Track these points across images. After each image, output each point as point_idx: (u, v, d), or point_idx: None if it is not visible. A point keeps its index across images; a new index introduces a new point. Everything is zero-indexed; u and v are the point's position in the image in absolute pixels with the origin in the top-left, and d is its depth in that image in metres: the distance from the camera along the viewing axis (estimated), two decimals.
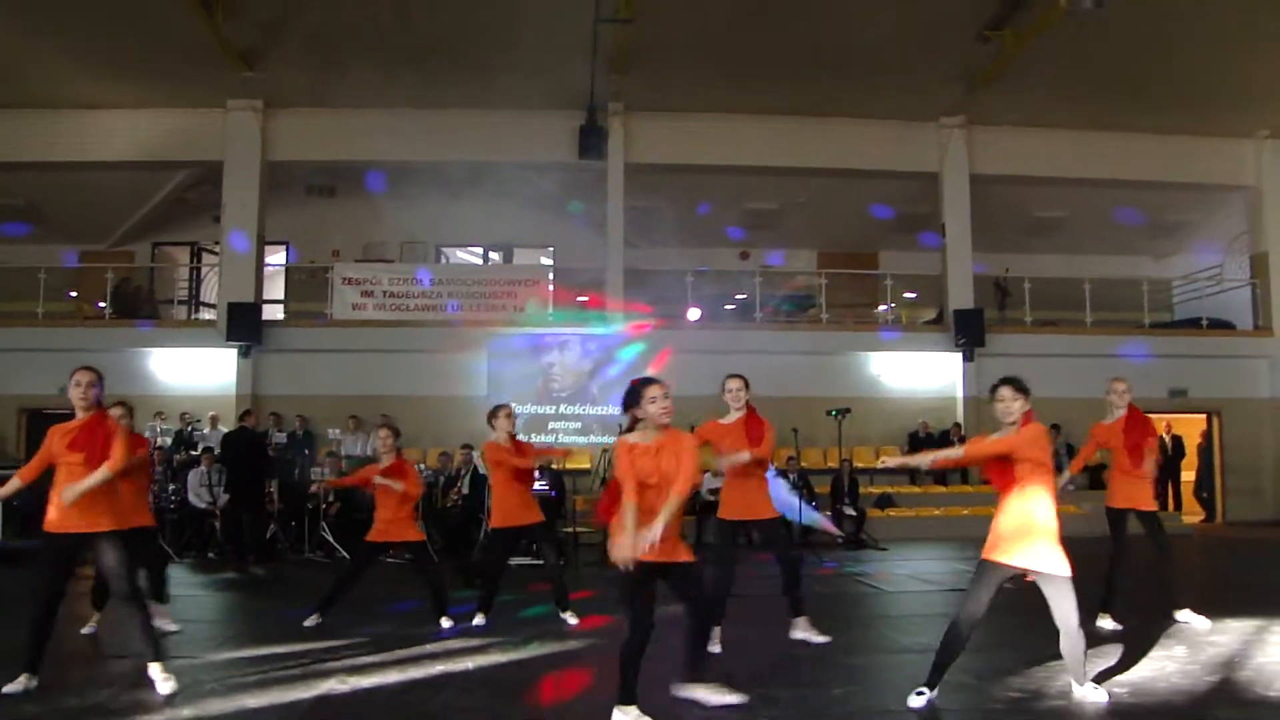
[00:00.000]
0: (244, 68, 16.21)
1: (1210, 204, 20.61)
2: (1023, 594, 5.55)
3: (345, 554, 12.85)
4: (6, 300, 18.38)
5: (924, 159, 18.94)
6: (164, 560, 7.96)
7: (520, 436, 8.58)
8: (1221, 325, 19.67)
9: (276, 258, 20.31)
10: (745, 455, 6.74)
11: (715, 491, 7.20)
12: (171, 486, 13.96)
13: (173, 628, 7.63)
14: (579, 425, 17.63)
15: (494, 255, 21.59)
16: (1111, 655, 6.58)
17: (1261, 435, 19.03)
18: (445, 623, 7.89)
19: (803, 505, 13.20)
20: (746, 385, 7.01)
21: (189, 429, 16.17)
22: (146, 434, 11.79)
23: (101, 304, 18.53)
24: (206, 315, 19.63)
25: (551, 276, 19.45)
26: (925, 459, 5.89)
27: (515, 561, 10.92)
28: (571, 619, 8.12)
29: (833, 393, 17.01)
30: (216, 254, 19.14)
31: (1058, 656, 5.58)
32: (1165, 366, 18.07)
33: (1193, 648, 6.85)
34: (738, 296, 20.35)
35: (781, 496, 7.30)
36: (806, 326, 19.23)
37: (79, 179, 18.62)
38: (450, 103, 17.34)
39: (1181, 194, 20.17)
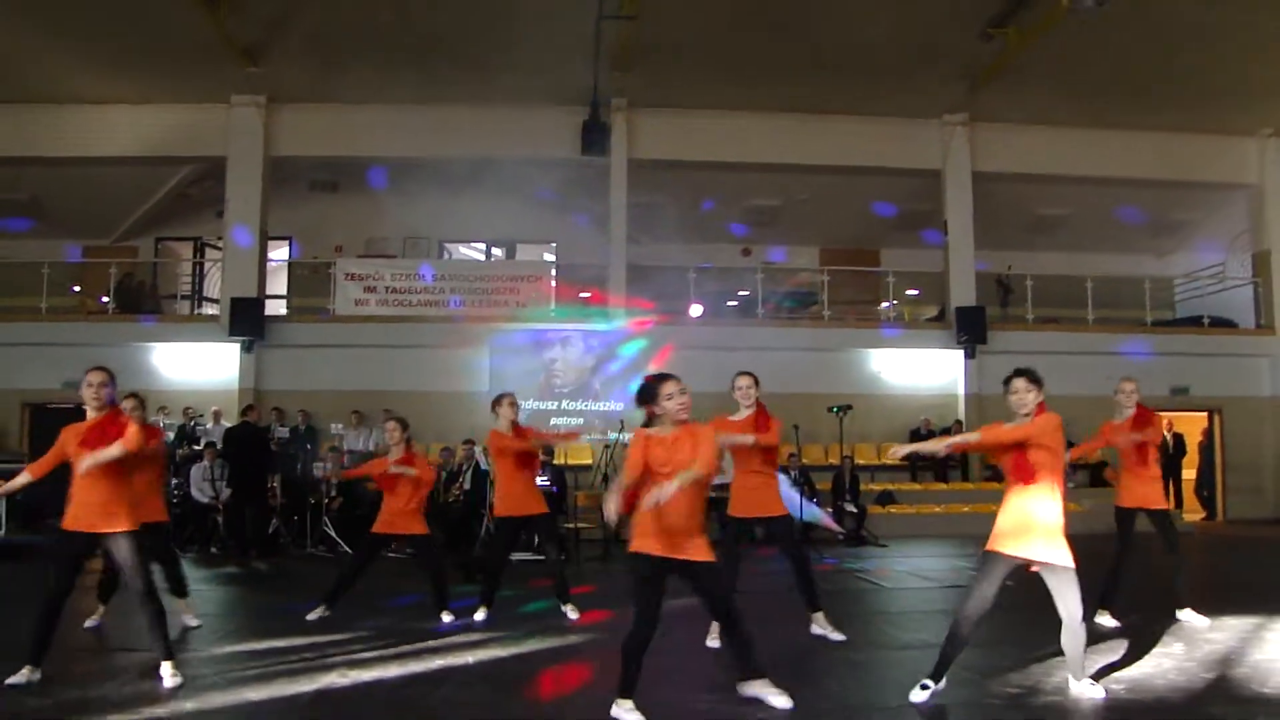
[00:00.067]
0: (247, 63, 16.25)
1: (1212, 202, 20.60)
2: (1025, 589, 5.56)
3: (347, 549, 12.90)
4: (10, 295, 18.39)
5: (927, 156, 18.97)
6: (175, 557, 7.97)
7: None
8: (1223, 323, 19.70)
9: (279, 253, 20.32)
10: (749, 438, 6.73)
11: (722, 488, 7.18)
12: (174, 481, 13.98)
13: (194, 622, 7.66)
14: (581, 421, 17.63)
15: (496, 251, 21.61)
16: (1110, 651, 6.60)
17: (1262, 433, 19.06)
18: (446, 617, 7.93)
19: (804, 502, 13.21)
20: (756, 383, 7.00)
21: (192, 424, 16.19)
22: None
23: (105, 299, 18.57)
24: (209, 310, 19.65)
25: (554, 272, 19.48)
26: (941, 444, 5.78)
27: (516, 557, 10.97)
28: (572, 613, 8.14)
29: (834, 389, 17.03)
30: (220, 249, 19.18)
31: (1057, 653, 5.61)
32: (1167, 364, 18.09)
33: (1190, 645, 6.87)
34: (740, 293, 20.39)
35: (784, 492, 7.29)
36: (808, 323, 19.24)
37: (82, 174, 18.66)
38: (453, 98, 17.35)
39: (1184, 192, 20.17)
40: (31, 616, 5.75)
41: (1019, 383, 5.48)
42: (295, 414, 16.69)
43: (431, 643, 7.10)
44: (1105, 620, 7.60)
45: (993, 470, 17.38)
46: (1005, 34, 15.28)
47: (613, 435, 14.20)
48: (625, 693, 5.02)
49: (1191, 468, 19.52)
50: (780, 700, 5.23)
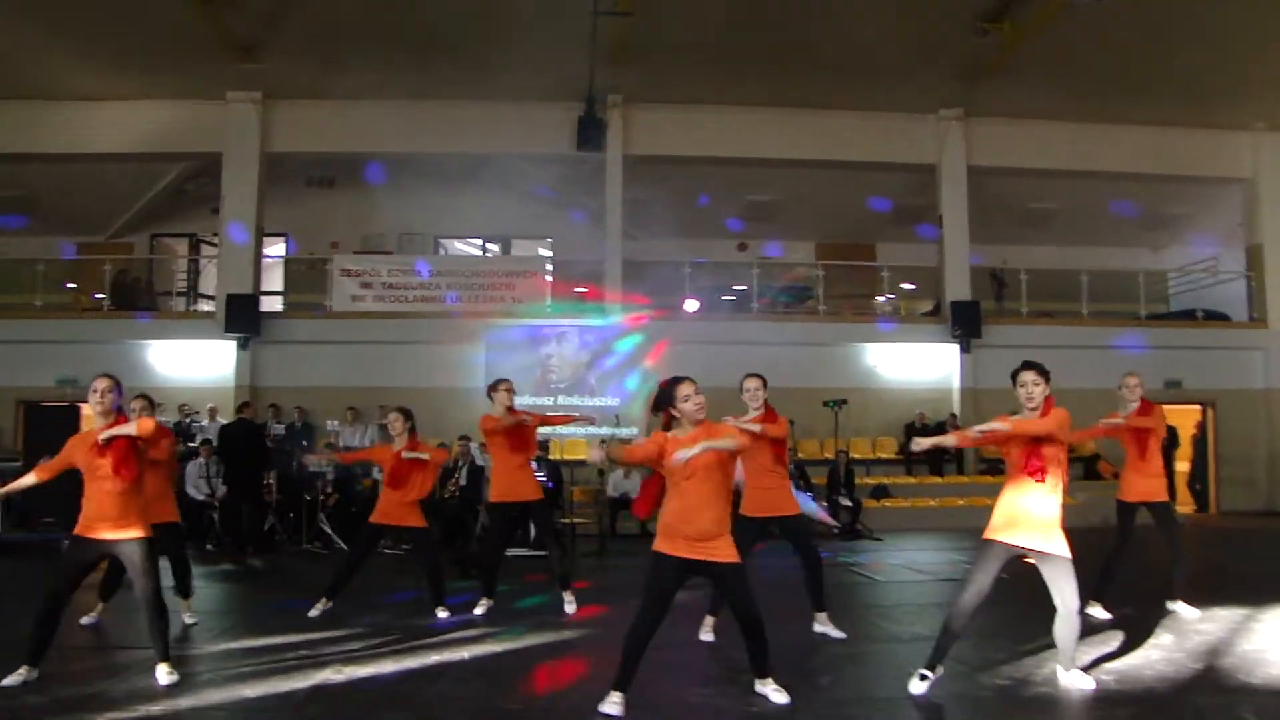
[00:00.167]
0: (243, 59, 16.21)
1: (1206, 196, 20.63)
2: (1018, 582, 5.61)
3: (343, 545, 12.94)
4: (4, 292, 18.32)
5: (922, 151, 18.99)
6: (185, 558, 7.99)
7: None
8: (1217, 317, 19.76)
9: (275, 249, 20.33)
10: (756, 427, 6.74)
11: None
12: None
13: (191, 619, 7.70)
14: (577, 415, 17.63)
15: (492, 247, 21.62)
16: (1101, 643, 6.66)
17: (1255, 426, 19.11)
18: (442, 613, 7.96)
19: (799, 496, 13.24)
20: (764, 384, 7.01)
21: (187, 420, 16.20)
22: None
23: (100, 295, 18.52)
24: (205, 307, 19.62)
25: (550, 268, 19.50)
26: (970, 433, 5.59)
27: (512, 552, 11.00)
28: (570, 606, 8.19)
29: (830, 384, 17.11)
30: (215, 245, 19.16)
31: (1048, 645, 5.67)
32: (1161, 358, 18.12)
33: (1180, 636, 6.93)
34: (736, 288, 20.42)
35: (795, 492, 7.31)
36: (804, 317, 19.28)
37: (77, 170, 18.64)
38: (449, 94, 17.35)
39: (1178, 186, 20.21)
40: (26, 614, 5.78)
41: (1028, 375, 5.51)
42: (291, 410, 16.69)
43: (427, 639, 7.12)
44: (1097, 612, 7.65)
45: (988, 464, 17.47)
46: (1000, 29, 15.28)
47: (609, 430, 14.24)
48: (619, 685, 5.08)
49: (1185, 460, 19.57)
50: (778, 696, 5.30)
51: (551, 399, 17.70)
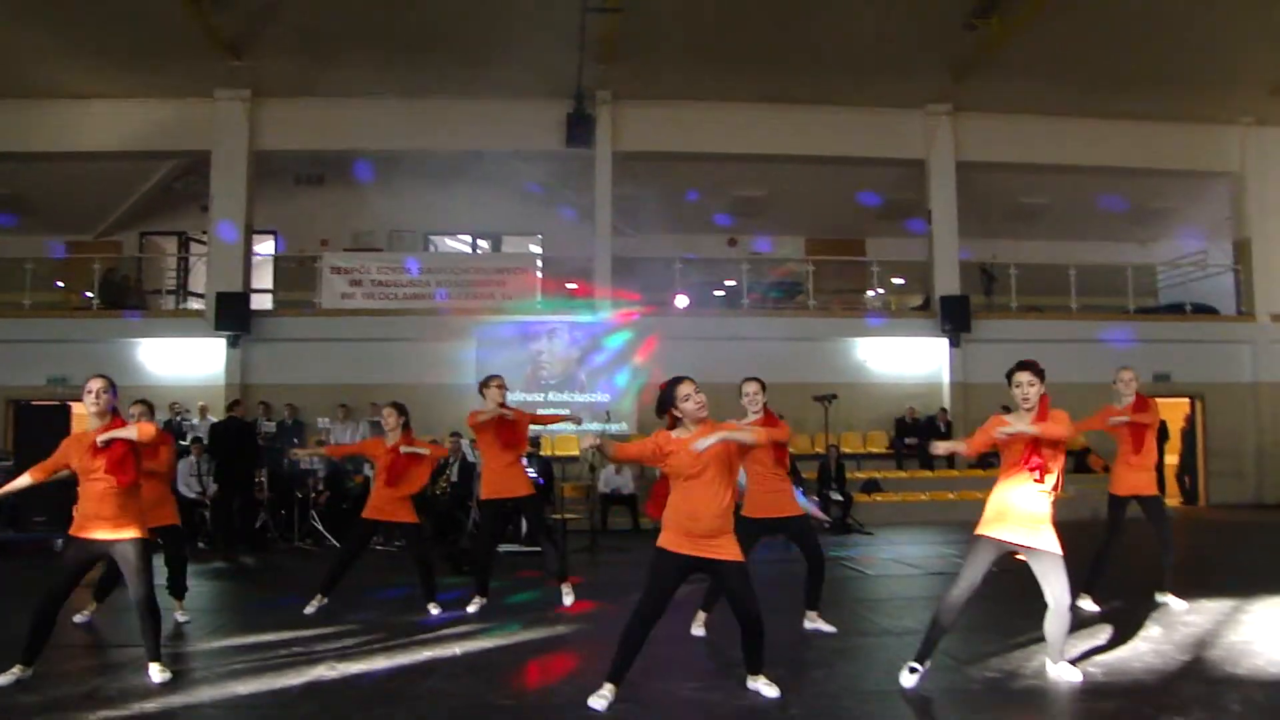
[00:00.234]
0: (232, 57, 16.20)
1: (1194, 190, 20.69)
2: (1007, 577, 5.64)
3: (334, 542, 12.95)
4: None
5: (911, 146, 19.02)
6: (184, 559, 8.00)
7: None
8: (1205, 310, 19.85)
9: (265, 247, 20.30)
10: (761, 431, 6.71)
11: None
12: None
13: (184, 618, 7.72)
14: (567, 412, 17.64)
15: (482, 243, 21.61)
16: (1089, 635, 6.72)
17: (1244, 419, 19.20)
18: (434, 609, 7.97)
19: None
20: (763, 388, 7.01)
21: (178, 419, 16.17)
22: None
23: (89, 294, 18.49)
24: (194, 305, 19.60)
25: (540, 264, 19.50)
26: (998, 432, 5.48)
27: (504, 548, 11.02)
28: (568, 598, 8.22)
29: (820, 378, 17.10)
30: (204, 244, 19.13)
31: (1037, 639, 5.70)
32: (1149, 351, 18.17)
33: (1168, 628, 6.99)
34: (726, 283, 20.45)
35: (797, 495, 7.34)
36: (793, 313, 19.29)
37: (65, 169, 18.58)
38: (438, 91, 17.31)
39: (1166, 180, 20.26)
40: (18, 614, 5.78)
41: (1023, 376, 5.54)
42: (282, 408, 16.67)
43: (419, 635, 7.15)
44: (1086, 604, 7.70)
45: (978, 458, 17.49)
46: (988, 24, 15.33)
47: (599, 426, 14.25)
48: (613, 677, 5.13)
49: (1174, 453, 19.66)
50: (769, 690, 5.34)
51: (542, 395, 17.70)
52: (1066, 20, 14.88)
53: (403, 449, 8.13)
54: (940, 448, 5.66)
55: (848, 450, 17.26)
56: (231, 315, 17.16)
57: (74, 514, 5.85)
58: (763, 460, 6.89)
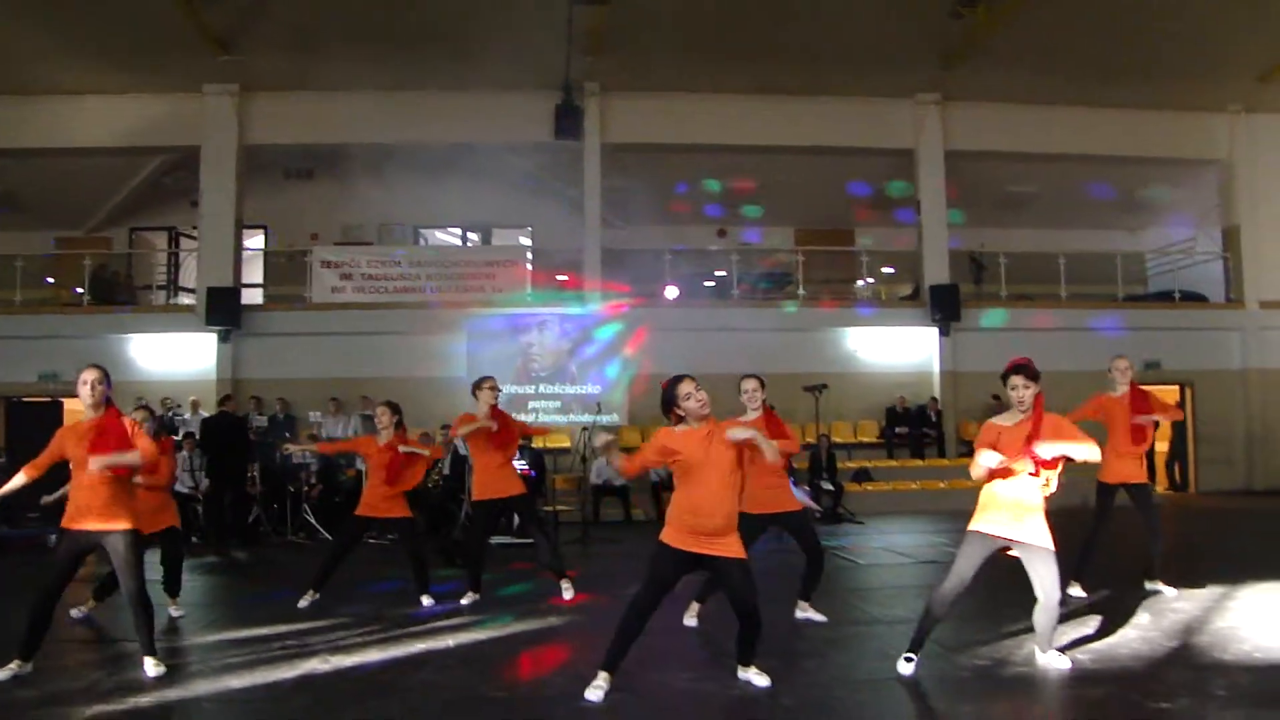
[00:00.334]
0: (220, 52, 16.14)
1: (1183, 178, 20.75)
2: (997, 567, 5.68)
3: (327, 536, 12.95)
4: None
5: (900, 136, 19.03)
6: (181, 558, 8.01)
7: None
8: (1194, 298, 19.92)
9: (255, 241, 20.28)
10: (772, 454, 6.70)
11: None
12: None
13: (177, 612, 7.70)
14: (558, 404, 17.73)
15: (472, 236, 21.60)
16: (1078, 623, 6.76)
17: (1233, 406, 19.30)
18: (426, 601, 8.00)
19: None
20: (762, 385, 7.00)
21: (170, 414, 16.16)
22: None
23: (79, 290, 18.44)
24: (185, 300, 19.56)
25: (530, 257, 19.51)
26: (1039, 453, 5.32)
27: (496, 540, 11.05)
28: (568, 593, 8.24)
29: (810, 369, 17.13)
30: (195, 238, 19.09)
31: (1027, 629, 5.74)
32: (1139, 339, 18.21)
33: (1156, 615, 7.05)
34: (716, 274, 20.47)
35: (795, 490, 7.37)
36: (783, 302, 19.31)
37: (55, 165, 18.52)
38: (427, 84, 17.26)
39: (1154, 168, 20.30)
40: (15, 609, 5.78)
41: (1017, 379, 5.53)
42: (273, 403, 16.69)
43: (412, 627, 7.17)
44: (1075, 592, 7.75)
45: (969, 447, 17.57)
46: (976, 13, 15.33)
47: (589, 418, 14.29)
48: (608, 666, 5.17)
49: (1164, 440, 19.74)
50: (760, 680, 5.38)
51: (533, 387, 17.73)
52: (1054, 9, 14.91)
53: (403, 449, 8.15)
54: (991, 462, 5.36)
55: (838, 440, 17.33)
56: (222, 310, 17.14)
57: (66, 506, 5.86)
58: (763, 458, 6.90)
